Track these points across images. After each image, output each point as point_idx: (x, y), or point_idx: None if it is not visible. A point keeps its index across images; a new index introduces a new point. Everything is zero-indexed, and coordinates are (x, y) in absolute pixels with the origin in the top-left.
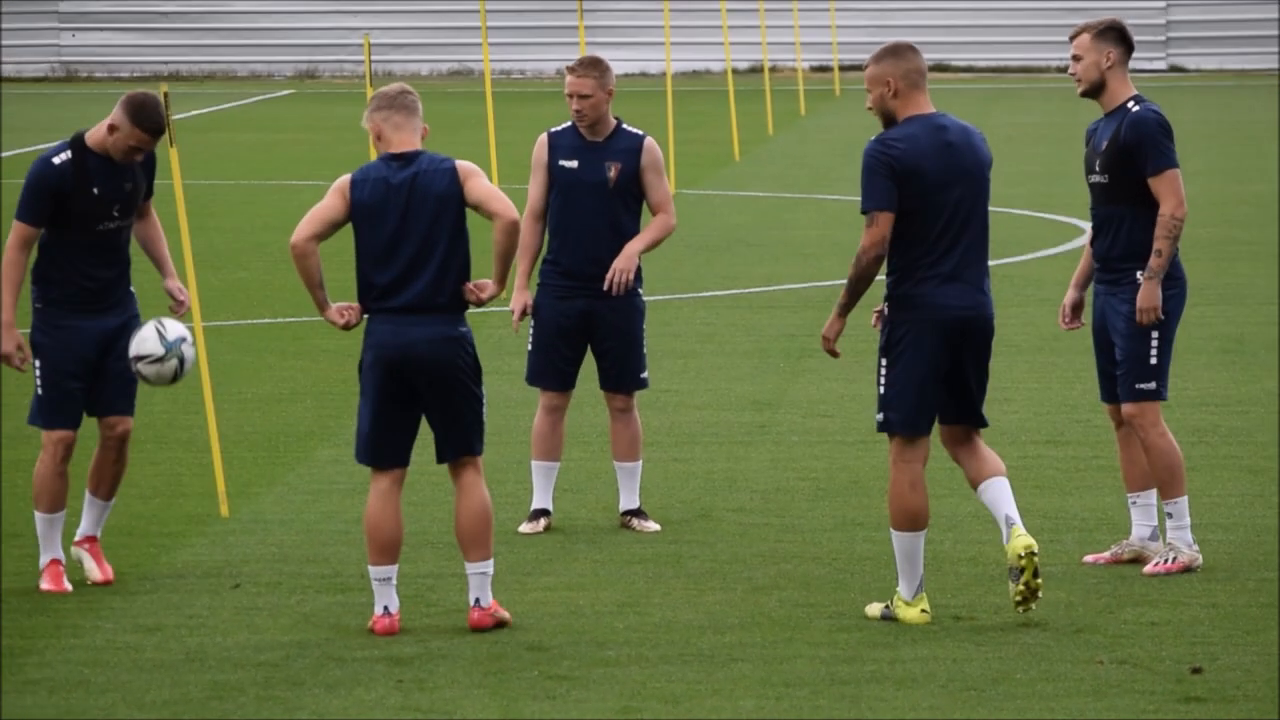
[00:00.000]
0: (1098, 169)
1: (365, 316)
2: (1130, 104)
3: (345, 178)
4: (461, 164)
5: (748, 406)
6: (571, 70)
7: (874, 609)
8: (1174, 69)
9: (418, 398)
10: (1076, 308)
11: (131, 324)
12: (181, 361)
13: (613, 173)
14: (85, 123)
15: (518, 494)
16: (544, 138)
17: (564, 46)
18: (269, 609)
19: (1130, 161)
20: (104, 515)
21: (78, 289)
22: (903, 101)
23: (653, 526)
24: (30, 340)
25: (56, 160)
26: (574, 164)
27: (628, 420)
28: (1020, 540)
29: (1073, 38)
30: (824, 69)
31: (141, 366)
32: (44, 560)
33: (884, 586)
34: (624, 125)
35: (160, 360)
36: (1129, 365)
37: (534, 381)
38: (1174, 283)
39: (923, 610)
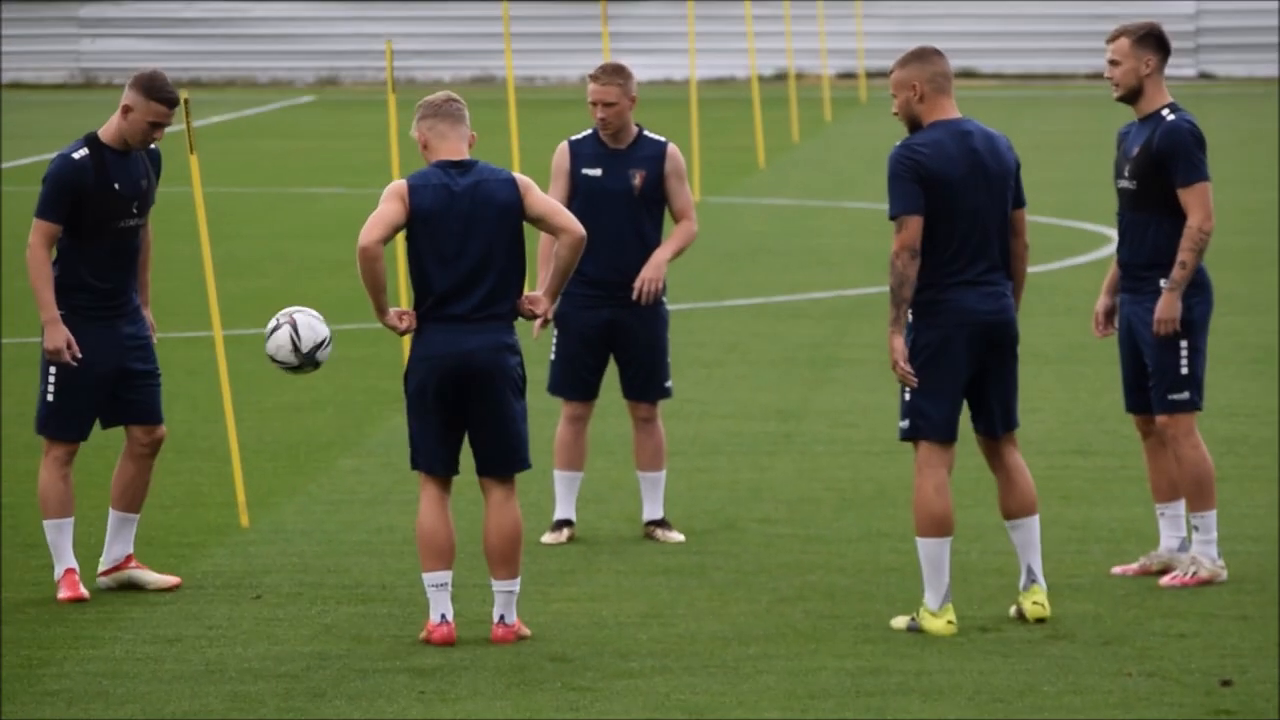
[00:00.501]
0: (1127, 175)
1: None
2: (1165, 112)
3: (401, 182)
4: (519, 176)
5: (772, 416)
6: (594, 78)
7: (899, 621)
8: (1204, 76)
9: (467, 406)
10: (1110, 314)
11: (143, 332)
12: (294, 327)
13: (637, 180)
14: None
15: (540, 503)
16: (565, 146)
17: (587, 53)
18: (290, 620)
19: (1161, 170)
20: (134, 530)
21: (93, 293)
22: (928, 106)
23: (677, 537)
24: (45, 348)
25: (77, 156)
26: (597, 172)
27: (651, 430)
28: (1036, 609)
29: (1110, 41)
30: (849, 75)
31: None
32: (59, 570)
33: (909, 597)
34: (646, 132)
35: (274, 330)
36: (1160, 376)
37: (557, 391)
38: (1199, 290)
39: (949, 621)
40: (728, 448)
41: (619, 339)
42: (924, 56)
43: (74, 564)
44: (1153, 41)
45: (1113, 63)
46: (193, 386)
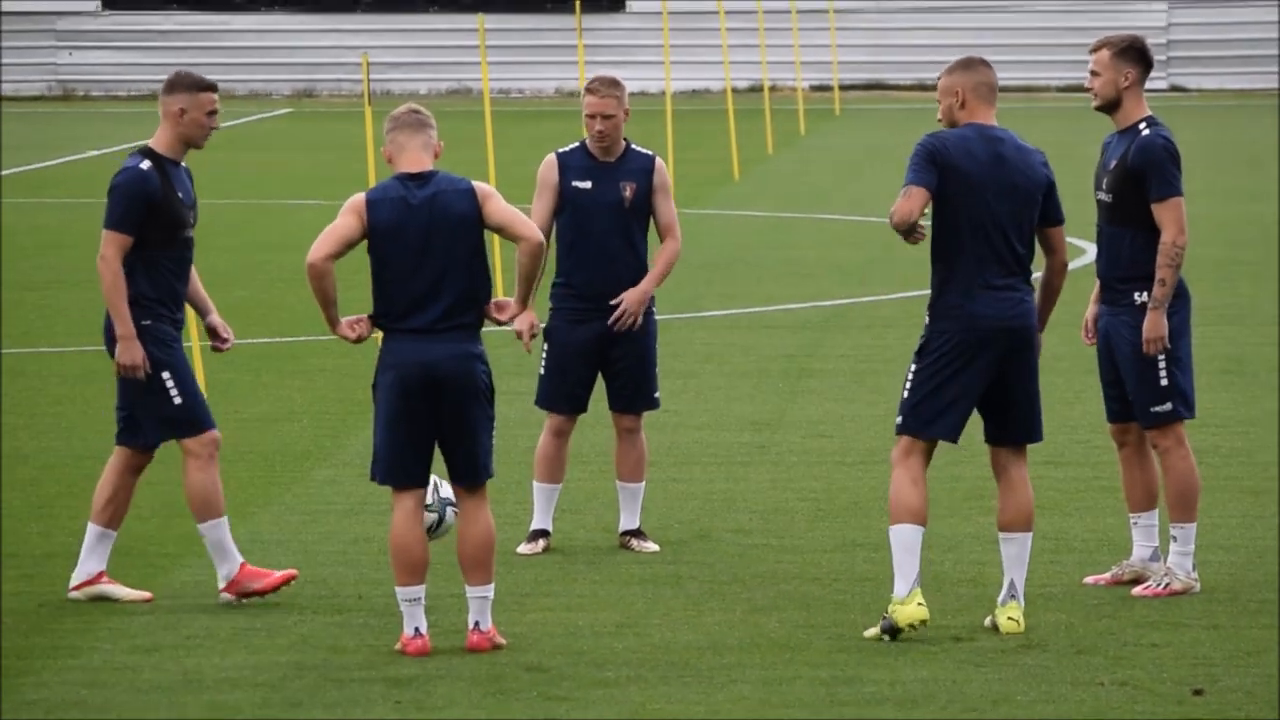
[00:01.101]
0: (1104, 187)
1: (378, 333)
2: (1142, 126)
3: (360, 197)
4: (479, 185)
5: (747, 427)
6: (593, 91)
7: (872, 631)
8: (1175, 89)
9: (435, 416)
10: (1099, 321)
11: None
12: (440, 518)
13: (628, 192)
14: (82, 141)
15: (516, 514)
16: (553, 158)
17: (563, 65)
18: (266, 630)
19: (1136, 185)
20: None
21: (170, 305)
22: (968, 112)
23: (651, 547)
24: (150, 358)
25: (144, 166)
26: (587, 185)
27: (635, 440)
28: (1010, 624)
29: (1093, 52)
30: (824, 88)
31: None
32: (235, 568)
33: (883, 607)
34: (633, 145)
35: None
36: (1141, 390)
37: (547, 405)
38: (1176, 298)
39: (919, 604)
40: (703, 458)
41: (610, 351)
42: (970, 65)
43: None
44: (1134, 54)
45: (1093, 73)
46: None
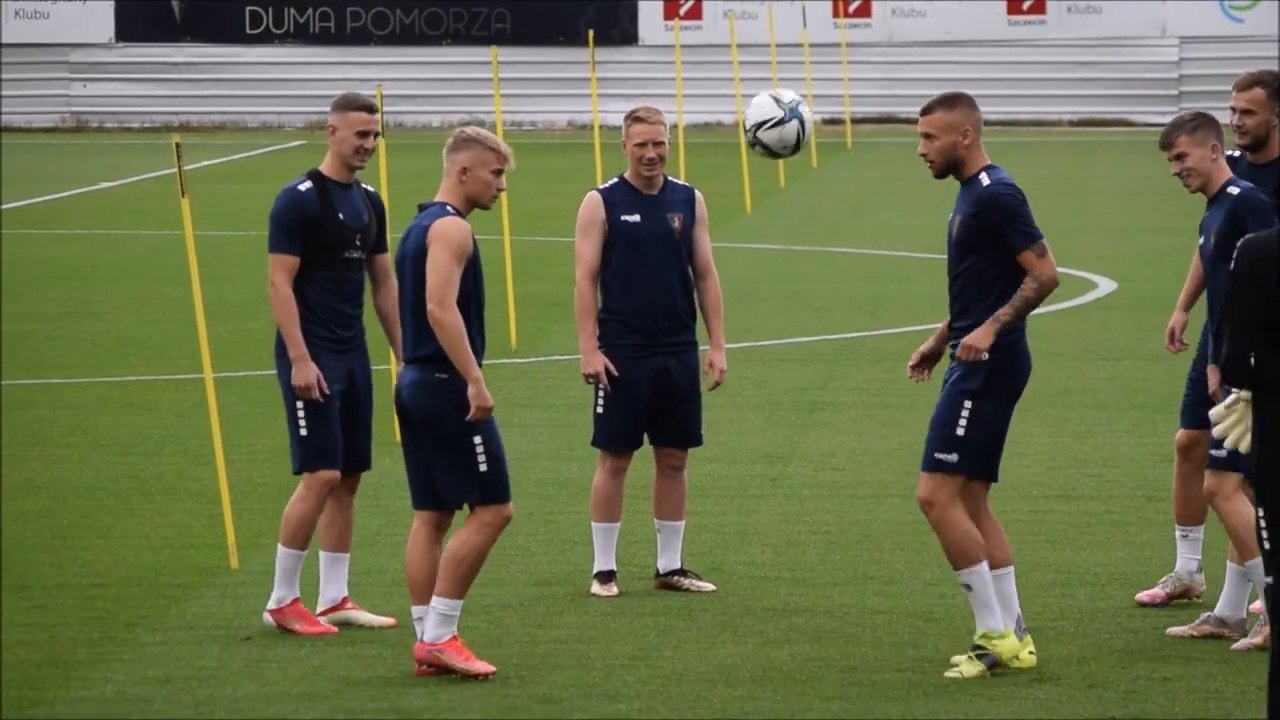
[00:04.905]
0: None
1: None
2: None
3: None
4: (438, 225)
5: (759, 460)
6: (642, 118)
7: (965, 665)
8: None
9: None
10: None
11: (367, 370)
12: (801, 123)
13: (677, 224)
14: (96, 173)
15: (529, 546)
16: (596, 196)
17: (576, 98)
18: (279, 661)
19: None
20: (345, 569)
21: (327, 326)
22: (977, 152)
23: (708, 586)
24: (282, 380)
25: (302, 188)
26: (636, 218)
27: (680, 478)
28: (1030, 659)
29: (1243, 89)
30: (835, 121)
31: (761, 134)
32: (287, 599)
33: (895, 640)
34: (669, 177)
35: (781, 123)
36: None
37: (608, 445)
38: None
39: (1030, 652)
40: (715, 491)
41: (670, 385)
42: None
43: (299, 593)
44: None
45: (1246, 111)
46: (183, 429)
